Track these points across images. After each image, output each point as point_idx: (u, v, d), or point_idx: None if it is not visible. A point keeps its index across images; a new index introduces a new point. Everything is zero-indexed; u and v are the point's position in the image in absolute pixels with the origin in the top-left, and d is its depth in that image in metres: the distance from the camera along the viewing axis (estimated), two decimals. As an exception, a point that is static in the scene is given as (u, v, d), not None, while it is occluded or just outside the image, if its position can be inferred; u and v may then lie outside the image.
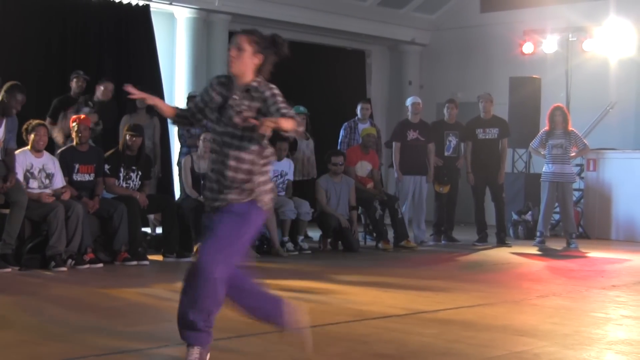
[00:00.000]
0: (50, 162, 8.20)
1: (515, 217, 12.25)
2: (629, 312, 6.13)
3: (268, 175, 4.20)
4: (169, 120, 4.59)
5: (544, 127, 10.94)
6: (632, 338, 5.22)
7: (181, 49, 12.63)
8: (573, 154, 10.80)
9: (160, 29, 12.26)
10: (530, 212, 12.14)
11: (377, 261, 9.37)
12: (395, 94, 15.82)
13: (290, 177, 10.01)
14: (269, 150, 4.21)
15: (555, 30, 13.22)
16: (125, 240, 8.38)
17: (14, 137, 7.97)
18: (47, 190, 8.08)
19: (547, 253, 10.33)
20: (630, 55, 13.16)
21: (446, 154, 11.34)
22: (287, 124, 3.95)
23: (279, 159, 9.83)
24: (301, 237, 9.85)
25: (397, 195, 10.96)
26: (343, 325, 5.38)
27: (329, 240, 10.26)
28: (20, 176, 7.91)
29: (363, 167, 10.72)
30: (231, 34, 9.98)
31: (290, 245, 9.56)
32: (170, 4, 12.32)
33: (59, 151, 8.65)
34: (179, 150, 10.44)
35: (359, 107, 11.40)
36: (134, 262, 8.32)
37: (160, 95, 11.41)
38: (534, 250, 10.47)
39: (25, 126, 8.13)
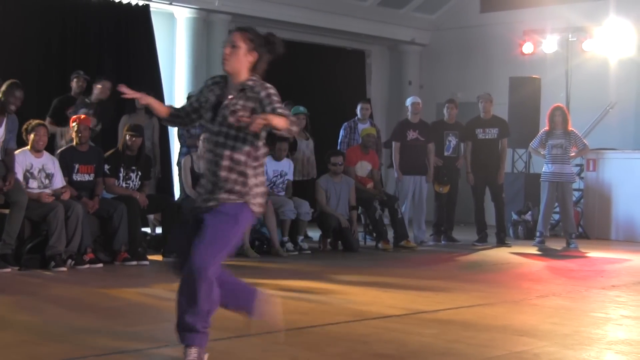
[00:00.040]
0: (50, 162, 8.20)
1: (515, 217, 12.25)
2: (629, 312, 6.13)
3: (261, 178, 4.20)
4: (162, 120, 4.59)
5: (544, 127, 10.94)
6: (632, 338, 5.22)
7: (181, 49, 12.63)
8: (573, 154, 10.80)
9: (160, 29, 12.26)
10: (530, 212, 12.14)
11: (377, 261, 9.36)
12: (395, 94, 15.82)
13: (290, 177, 10.01)
14: (263, 151, 4.22)
15: (555, 30, 13.22)
16: (125, 241, 8.38)
17: (14, 137, 7.97)
18: (47, 190, 8.07)
19: (546, 253, 10.33)
20: (630, 55, 13.16)
21: (446, 154, 11.34)
22: (278, 121, 3.94)
23: (279, 159, 9.83)
24: (301, 237, 9.84)
25: (397, 195, 10.97)
26: (343, 325, 5.38)
27: (328, 240, 10.26)
28: (20, 176, 7.91)
29: (363, 167, 10.72)
30: (231, 34, 9.95)
31: (290, 245, 9.56)
32: (170, 4, 12.33)
33: (58, 151, 8.65)
34: (178, 150, 10.44)
35: (358, 107, 11.41)
36: (134, 262, 8.32)
37: (160, 96, 11.43)
38: (533, 250, 10.47)
39: (25, 126, 8.12)
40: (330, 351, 4.61)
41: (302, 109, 10.79)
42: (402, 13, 15.27)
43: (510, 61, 13.96)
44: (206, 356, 4.12)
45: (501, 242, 11.02)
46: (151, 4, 12.03)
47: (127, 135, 8.74)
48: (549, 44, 13.22)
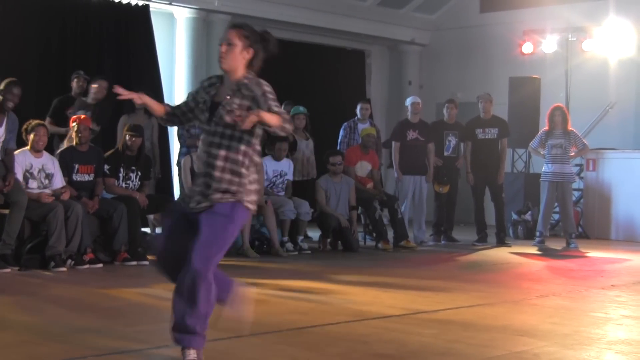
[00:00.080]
0: (49, 162, 8.20)
1: (514, 217, 12.25)
2: (629, 312, 6.13)
3: (255, 175, 4.20)
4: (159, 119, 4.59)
5: (544, 127, 10.94)
6: (632, 338, 5.22)
7: (181, 49, 12.63)
8: (572, 154, 10.81)
9: (160, 29, 12.26)
10: (529, 212, 12.15)
11: (377, 261, 9.36)
12: (395, 94, 15.83)
13: (290, 177, 10.01)
14: (258, 149, 4.23)
15: (555, 31, 13.23)
16: (125, 241, 8.38)
17: (14, 137, 7.96)
18: (47, 191, 8.07)
19: (546, 253, 10.33)
20: (630, 55, 13.17)
21: (446, 154, 11.34)
22: (270, 119, 3.94)
23: (279, 159, 9.83)
24: (301, 237, 9.84)
25: (397, 195, 10.97)
26: (343, 325, 5.37)
27: (328, 240, 10.26)
28: (19, 176, 7.91)
29: (363, 167, 10.72)
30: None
31: (289, 246, 9.55)
32: (170, 4, 12.33)
33: (58, 151, 8.65)
34: (178, 150, 10.44)
35: (358, 107, 11.41)
36: (134, 262, 8.32)
37: (160, 96, 11.42)
38: (533, 250, 10.47)
39: (25, 126, 8.12)
40: (330, 351, 4.61)
41: (302, 109, 10.79)
42: (402, 13, 15.27)
43: (510, 61, 13.97)
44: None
45: (501, 242, 11.02)
46: (151, 4, 12.03)
47: (127, 136, 8.74)
48: (549, 44, 13.23)
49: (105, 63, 11.37)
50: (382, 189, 11.15)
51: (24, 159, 8.01)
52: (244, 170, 4.12)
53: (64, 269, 7.76)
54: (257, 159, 4.22)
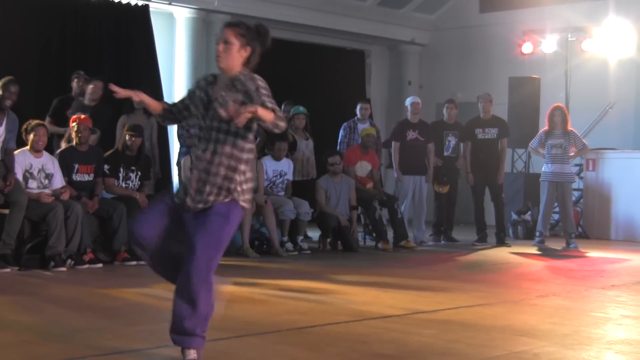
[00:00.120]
0: (49, 162, 8.19)
1: (514, 217, 12.25)
2: (629, 312, 6.13)
3: (249, 174, 4.20)
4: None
5: (544, 127, 10.94)
6: (632, 338, 5.22)
7: (180, 49, 12.64)
8: (572, 154, 10.81)
9: (160, 29, 12.26)
10: (529, 212, 12.14)
11: (377, 261, 9.36)
12: (395, 94, 15.83)
13: (290, 177, 10.00)
14: (253, 145, 4.23)
15: (555, 31, 13.23)
16: (125, 240, 8.37)
17: (14, 137, 7.96)
18: (47, 191, 8.07)
19: (546, 253, 10.33)
20: (630, 55, 13.17)
21: (445, 154, 11.34)
22: (264, 114, 3.95)
23: (279, 158, 9.82)
24: (301, 237, 9.84)
25: (397, 195, 10.97)
26: (343, 325, 5.37)
27: (328, 240, 10.26)
28: (19, 176, 7.90)
29: (363, 167, 10.72)
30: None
31: (289, 245, 9.55)
32: (170, 4, 12.33)
33: (58, 151, 8.65)
34: (178, 150, 10.44)
35: (358, 107, 11.41)
36: (134, 262, 8.30)
37: (160, 96, 11.42)
38: (533, 250, 10.47)
39: (24, 126, 8.11)
40: (330, 351, 4.61)
41: (302, 109, 10.79)
42: (402, 13, 15.28)
43: (509, 61, 13.97)
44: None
45: (501, 242, 11.02)
46: (151, 4, 12.03)
47: (127, 136, 8.74)
48: (549, 44, 13.23)
49: (105, 63, 11.37)
50: (382, 189, 11.15)
51: (23, 159, 8.01)
52: (240, 166, 4.12)
53: (63, 269, 7.76)
54: (252, 154, 4.23)
